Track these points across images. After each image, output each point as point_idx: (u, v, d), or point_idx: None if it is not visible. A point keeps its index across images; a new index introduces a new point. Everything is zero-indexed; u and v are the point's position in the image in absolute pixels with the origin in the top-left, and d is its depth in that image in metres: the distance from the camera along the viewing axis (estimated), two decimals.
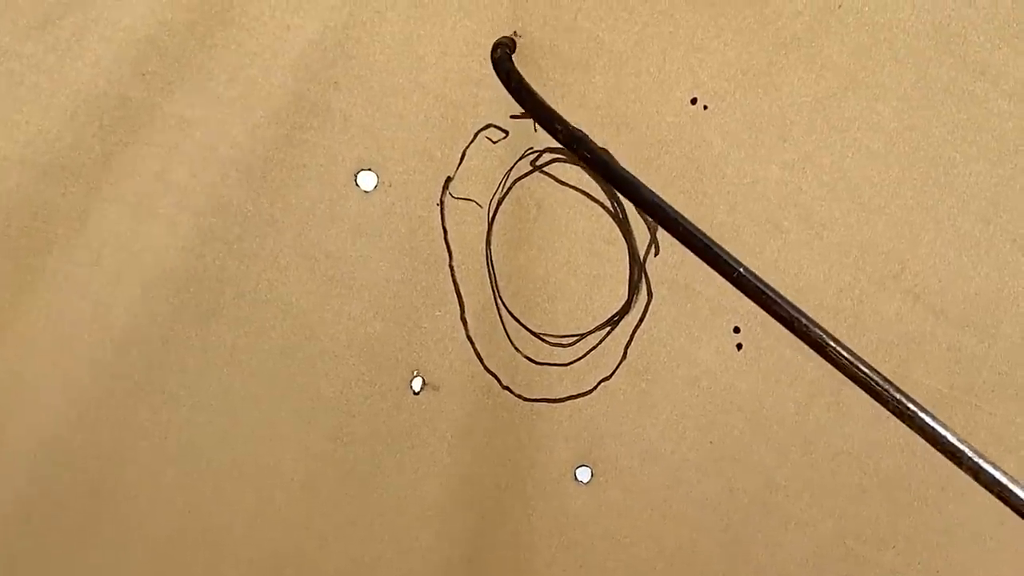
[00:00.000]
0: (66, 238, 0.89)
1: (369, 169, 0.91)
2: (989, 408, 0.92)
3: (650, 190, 0.79)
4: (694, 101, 0.88)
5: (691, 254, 0.77)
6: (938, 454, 0.72)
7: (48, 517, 0.98)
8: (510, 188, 0.92)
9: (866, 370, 0.73)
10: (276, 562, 1.02)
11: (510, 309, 0.94)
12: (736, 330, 0.93)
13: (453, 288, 0.94)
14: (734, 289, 0.77)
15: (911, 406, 0.71)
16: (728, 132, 0.88)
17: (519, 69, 0.85)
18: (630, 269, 0.93)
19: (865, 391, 0.73)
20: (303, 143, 0.89)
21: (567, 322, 0.95)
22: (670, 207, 0.78)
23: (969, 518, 0.95)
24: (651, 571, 1.00)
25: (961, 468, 0.70)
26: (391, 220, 0.92)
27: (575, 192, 0.92)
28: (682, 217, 0.77)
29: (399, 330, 0.95)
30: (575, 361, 0.95)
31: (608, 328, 0.94)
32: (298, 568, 1.02)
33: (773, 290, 0.75)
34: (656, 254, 0.92)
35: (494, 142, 0.90)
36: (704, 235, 0.77)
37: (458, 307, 0.94)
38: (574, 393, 0.96)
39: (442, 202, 0.92)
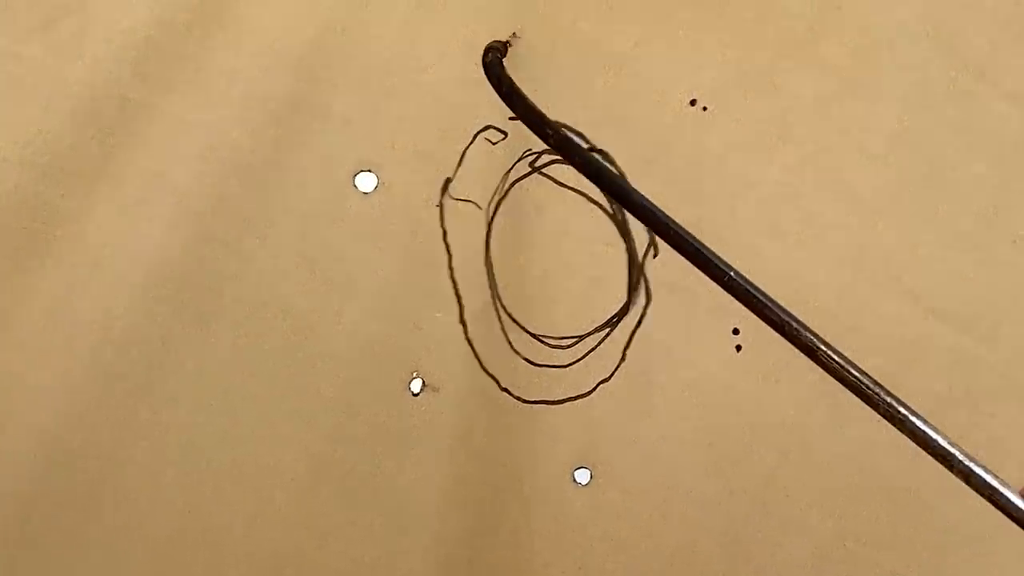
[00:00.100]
0: (66, 239, 0.89)
1: (368, 170, 0.91)
2: (989, 410, 0.92)
3: (641, 194, 0.79)
4: (693, 102, 0.88)
5: (688, 260, 0.77)
6: None
7: (48, 517, 0.98)
8: (509, 189, 0.92)
9: (857, 374, 0.73)
10: (276, 562, 1.02)
11: (509, 311, 0.94)
12: (735, 332, 0.93)
13: (452, 289, 0.94)
14: (731, 295, 0.77)
15: (902, 410, 0.71)
16: (727, 133, 0.88)
17: (519, 70, 0.85)
18: (629, 271, 0.93)
19: (856, 395, 0.73)
20: (302, 144, 0.89)
21: (566, 324, 0.94)
22: (660, 211, 0.77)
23: (968, 519, 0.95)
24: (650, 572, 1.00)
25: (952, 471, 0.70)
26: (390, 221, 0.92)
27: (574, 194, 0.92)
28: (673, 221, 0.77)
29: (398, 331, 0.95)
30: (574, 363, 0.95)
31: (607, 330, 0.94)
32: (298, 568, 1.02)
33: (764, 294, 0.75)
34: (655, 256, 0.92)
35: (493, 143, 0.90)
36: (694, 239, 0.76)
37: (457, 308, 0.94)
38: (573, 395, 0.96)
39: (441, 203, 0.92)
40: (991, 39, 0.84)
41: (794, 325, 0.74)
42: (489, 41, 0.87)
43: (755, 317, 0.76)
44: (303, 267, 0.93)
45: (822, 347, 0.74)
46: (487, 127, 0.90)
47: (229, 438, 0.97)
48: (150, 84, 0.86)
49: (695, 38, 0.86)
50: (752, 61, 0.87)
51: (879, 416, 0.73)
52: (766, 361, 0.93)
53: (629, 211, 0.82)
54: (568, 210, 0.92)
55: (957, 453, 0.70)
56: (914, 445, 0.72)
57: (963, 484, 0.71)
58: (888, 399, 0.72)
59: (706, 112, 0.88)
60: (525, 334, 0.95)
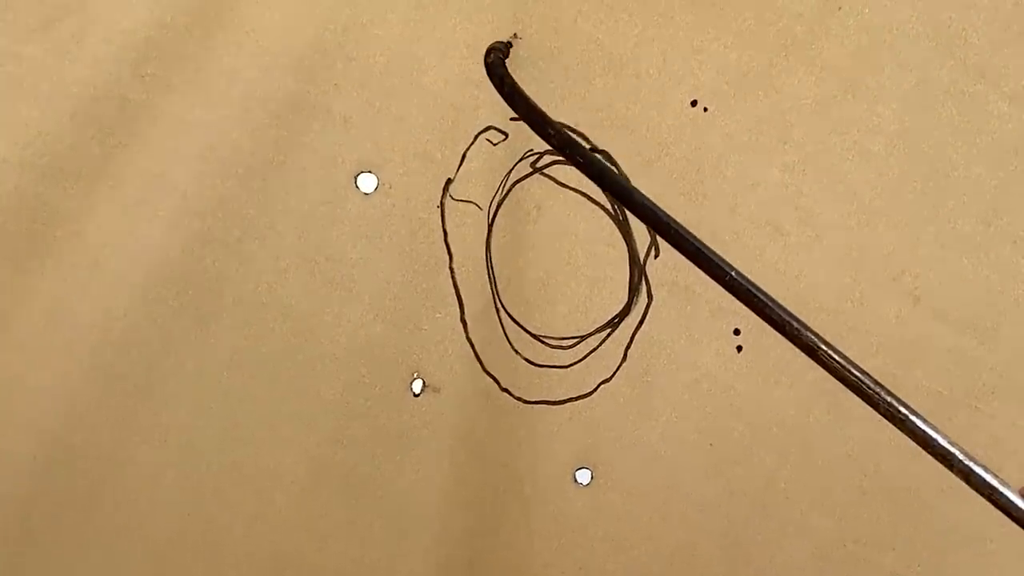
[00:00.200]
0: (66, 240, 0.89)
1: (369, 171, 0.91)
2: (989, 410, 0.92)
3: (642, 194, 0.79)
4: (694, 103, 0.88)
5: (689, 260, 0.77)
6: None
7: (48, 518, 0.98)
8: (510, 190, 0.92)
9: (857, 373, 0.73)
10: (276, 563, 1.01)
11: (510, 311, 0.94)
12: (736, 332, 0.93)
13: (453, 290, 0.94)
14: (731, 295, 0.77)
15: (902, 409, 0.72)
16: (728, 134, 0.88)
17: (520, 71, 0.85)
18: (630, 271, 0.93)
19: (856, 394, 0.73)
20: (303, 145, 0.89)
21: (567, 324, 0.94)
22: (662, 211, 0.78)
23: (969, 520, 0.95)
24: (651, 573, 1.00)
25: (952, 471, 0.71)
26: (391, 222, 0.92)
27: (575, 194, 0.92)
28: (674, 221, 0.77)
29: (399, 332, 0.95)
30: (575, 363, 0.95)
31: (608, 330, 0.94)
32: (298, 569, 1.02)
33: (764, 293, 0.75)
34: (656, 256, 0.92)
35: (494, 144, 0.90)
36: (696, 239, 0.76)
37: (458, 309, 0.94)
38: (574, 395, 0.96)
39: (442, 204, 0.92)
40: (991, 40, 0.84)
41: (795, 325, 0.74)
42: (490, 42, 0.86)
43: (756, 318, 0.76)
44: (303, 268, 0.92)
45: (823, 347, 0.74)
46: (488, 128, 0.90)
47: (229, 439, 0.97)
48: (150, 85, 0.86)
49: (696, 39, 0.86)
50: (753, 62, 0.87)
51: (879, 417, 0.73)
52: (767, 362, 0.93)
53: (631, 211, 0.82)
54: (569, 210, 0.92)
55: (957, 452, 0.70)
56: (914, 446, 0.72)
57: (963, 485, 0.71)
58: (888, 398, 0.72)
59: (707, 113, 0.88)
60: (526, 334, 0.95)
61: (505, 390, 0.96)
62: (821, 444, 0.95)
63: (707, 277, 0.77)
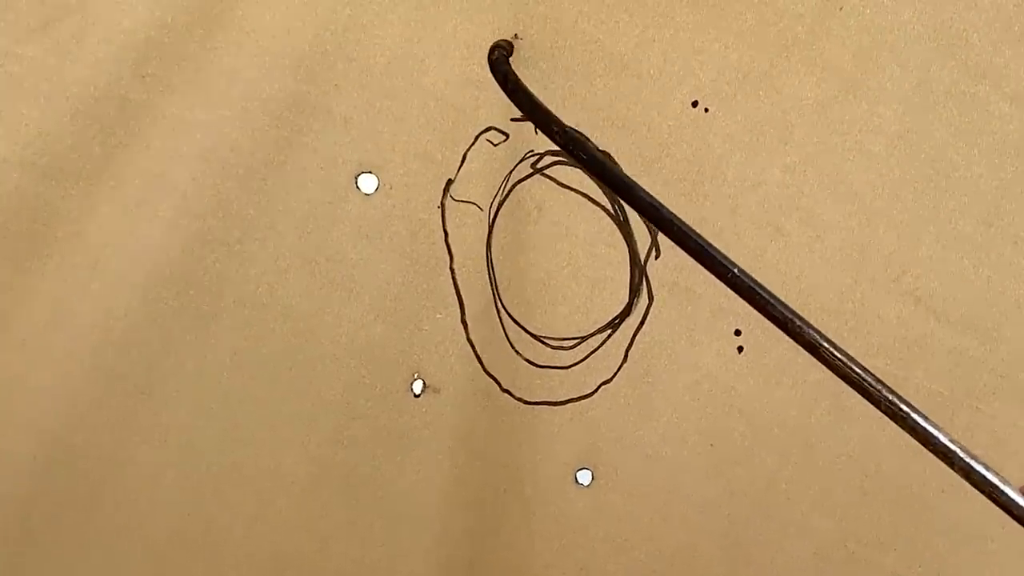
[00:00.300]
0: (66, 240, 0.89)
1: (370, 172, 0.90)
2: (990, 411, 0.92)
3: (646, 191, 0.79)
4: (695, 104, 0.88)
5: (691, 257, 0.77)
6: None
7: (48, 518, 0.98)
8: (511, 191, 0.92)
9: (859, 371, 0.73)
10: (276, 564, 1.01)
11: (510, 312, 0.94)
12: (737, 333, 0.93)
13: (454, 291, 0.94)
14: (734, 292, 0.77)
15: (903, 407, 0.72)
16: (729, 135, 0.88)
17: (519, 72, 0.85)
18: (631, 272, 0.93)
19: (858, 392, 0.73)
20: (303, 146, 0.89)
21: (568, 325, 0.94)
22: (665, 208, 0.78)
23: (970, 520, 0.95)
24: (652, 574, 1.00)
25: (953, 468, 0.71)
26: (392, 223, 0.92)
27: (576, 195, 0.92)
28: (677, 218, 0.77)
29: (400, 333, 0.95)
30: (576, 364, 0.95)
31: (609, 331, 0.94)
32: (298, 570, 1.02)
33: (767, 291, 0.75)
34: (657, 257, 0.92)
35: (495, 145, 0.90)
36: (699, 236, 0.77)
37: (459, 310, 0.94)
38: (575, 396, 0.96)
39: (443, 205, 0.92)
40: (993, 40, 0.84)
41: (797, 322, 0.74)
42: (491, 42, 0.86)
43: (757, 319, 0.76)
44: (304, 268, 0.92)
45: (824, 344, 0.74)
46: (488, 128, 0.90)
47: (230, 439, 0.97)
48: (151, 85, 0.86)
49: (696, 39, 0.86)
50: (754, 62, 0.87)
51: (880, 417, 0.73)
52: (768, 362, 0.93)
53: (634, 208, 0.82)
54: (570, 211, 0.92)
55: (958, 450, 0.70)
56: (915, 446, 0.72)
57: (964, 485, 0.71)
58: (890, 396, 0.72)
59: (708, 113, 0.88)
60: (526, 335, 0.95)
61: (506, 391, 0.96)
62: (822, 445, 0.95)
63: (708, 278, 0.77)
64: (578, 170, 0.91)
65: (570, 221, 0.92)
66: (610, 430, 0.97)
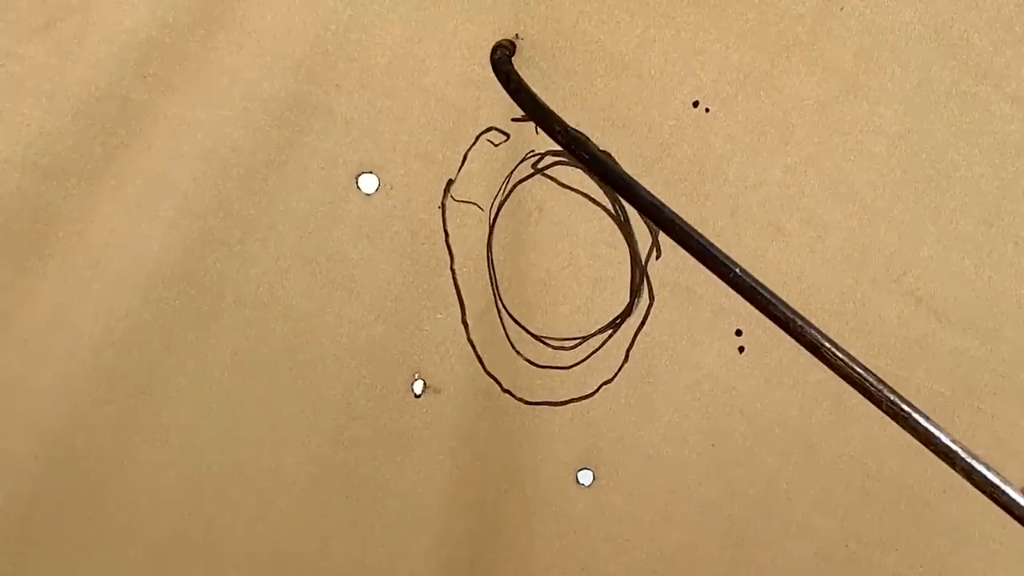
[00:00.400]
0: (67, 240, 0.89)
1: (370, 172, 0.90)
2: (991, 411, 0.92)
3: (648, 191, 0.79)
4: (696, 104, 0.88)
5: (693, 257, 0.77)
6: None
7: (49, 518, 0.98)
8: (511, 191, 0.92)
9: (860, 371, 0.73)
10: (277, 564, 1.02)
11: (511, 312, 0.94)
12: (738, 333, 0.93)
13: (454, 291, 0.94)
14: (736, 292, 0.77)
15: (905, 407, 0.72)
16: (730, 135, 0.88)
17: (520, 72, 0.85)
18: (632, 272, 0.93)
19: (859, 392, 0.73)
20: (304, 146, 0.89)
21: (568, 325, 0.94)
22: (667, 208, 0.78)
23: (972, 520, 0.95)
24: (653, 574, 1.00)
25: (954, 469, 0.71)
26: (392, 223, 0.92)
27: (576, 195, 0.92)
28: (679, 218, 0.77)
29: (400, 333, 0.95)
30: (577, 364, 0.95)
31: (610, 331, 0.94)
32: (299, 570, 1.02)
33: (769, 291, 0.75)
34: (658, 257, 0.92)
35: (495, 145, 0.90)
36: (701, 236, 0.77)
37: (459, 310, 0.94)
38: (576, 396, 0.96)
39: (443, 205, 0.92)
40: (994, 41, 0.84)
41: (798, 322, 0.74)
42: (492, 43, 0.86)
43: (758, 319, 0.76)
44: (304, 268, 0.92)
45: (826, 344, 0.74)
46: (489, 128, 0.90)
47: (230, 440, 0.97)
48: (152, 85, 0.86)
49: (697, 40, 0.86)
50: (755, 62, 0.87)
51: (881, 417, 0.73)
52: (769, 363, 0.93)
53: (636, 208, 0.82)
54: (570, 211, 0.92)
55: (959, 450, 0.70)
56: (916, 446, 0.72)
57: (965, 485, 0.71)
58: (891, 396, 0.72)
59: (708, 113, 0.88)
60: (527, 335, 0.95)
61: (506, 391, 0.96)
62: (823, 445, 0.95)
63: (709, 278, 0.77)
64: (579, 170, 0.91)
65: (571, 221, 0.92)
66: (611, 430, 0.96)
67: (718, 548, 0.98)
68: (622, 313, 0.94)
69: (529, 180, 0.92)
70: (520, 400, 0.96)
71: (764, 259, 0.90)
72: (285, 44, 0.86)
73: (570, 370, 0.95)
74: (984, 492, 0.69)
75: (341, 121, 0.89)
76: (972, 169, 0.87)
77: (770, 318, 0.75)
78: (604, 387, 0.95)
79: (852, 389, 0.74)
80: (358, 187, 0.91)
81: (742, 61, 0.87)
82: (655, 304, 0.93)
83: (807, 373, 0.92)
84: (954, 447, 0.70)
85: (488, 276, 0.94)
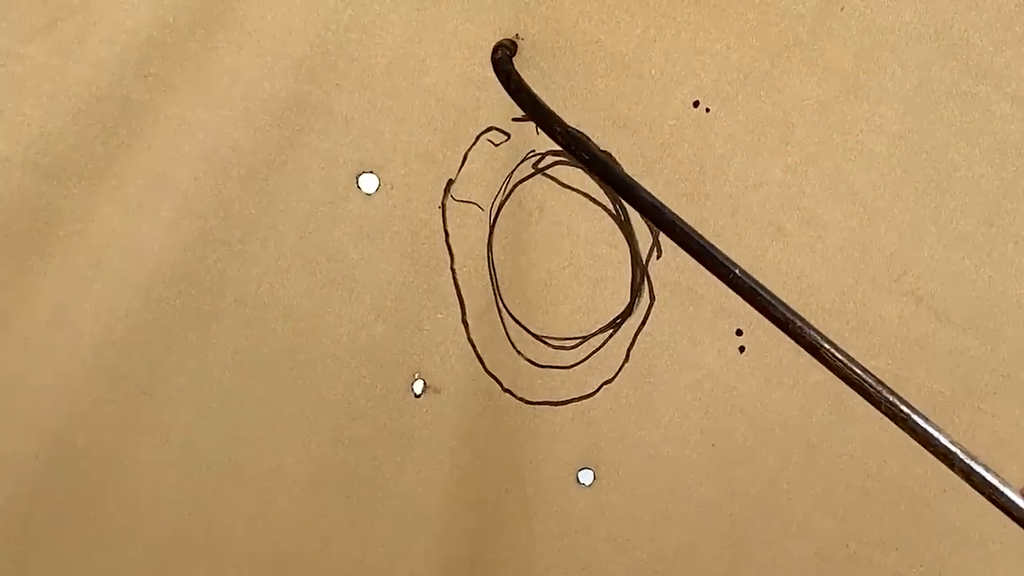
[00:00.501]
0: (68, 239, 0.89)
1: (371, 172, 0.91)
2: (991, 411, 0.92)
3: (648, 191, 0.79)
4: (696, 104, 0.88)
5: (693, 258, 0.77)
6: None
7: (50, 518, 0.98)
8: (512, 191, 0.92)
9: (860, 372, 0.73)
10: (277, 564, 1.02)
11: (512, 312, 0.94)
12: (739, 333, 0.93)
13: (455, 291, 0.94)
14: (736, 293, 0.77)
15: (904, 408, 0.72)
16: (730, 135, 0.88)
17: (521, 72, 0.85)
18: (632, 272, 0.93)
19: (859, 393, 0.73)
20: (305, 145, 0.89)
21: (569, 325, 0.94)
22: (667, 209, 0.78)
23: (972, 520, 0.95)
24: (653, 574, 1.00)
25: (953, 470, 0.70)
26: (393, 223, 0.92)
27: (577, 195, 0.92)
28: (679, 219, 0.77)
29: (400, 333, 0.95)
30: (577, 364, 0.95)
31: (610, 331, 0.94)
32: (299, 570, 1.02)
33: (769, 292, 0.75)
34: (658, 257, 0.92)
35: (496, 145, 0.90)
36: (701, 237, 0.77)
37: (459, 310, 0.94)
38: (576, 396, 0.96)
39: (444, 205, 0.92)
40: (994, 40, 0.84)
41: (798, 323, 0.74)
42: (492, 43, 0.87)
43: (758, 319, 0.76)
44: (305, 268, 0.92)
45: (825, 345, 0.74)
46: (490, 128, 0.90)
47: (231, 439, 0.97)
48: (152, 85, 0.86)
49: (698, 40, 0.86)
50: (755, 62, 0.87)
51: (881, 417, 0.73)
52: (769, 362, 0.93)
53: (636, 208, 0.82)
54: (571, 211, 0.92)
55: (958, 452, 0.70)
56: (917, 447, 0.72)
57: (965, 485, 0.71)
58: (891, 397, 0.72)
59: (709, 113, 0.88)
60: (528, 335, 0.95)
61: (507, 391, 0.96)
62: (823, 445, 0.95)
63: (709, 278, 0.77)
64: (579, 170, 0.91)
65: (571, 221, 0.92)
66: (611, 430, 0.96)
67: (718, 548, 0.98)
68: (623, 313, 0.94)
69: (529, 180, 0.92)
70: (521, 400, 0.96)
71: (764, 259, 0.90)
72: (286, 44, 0.86)
73: (571, 370, 0.95)
74: (983, 493, 0.69)
75: (341, 121, 0.89)
76: (972, 169, 0.87)
77: (770, 319, 0.75)
78: (605, 387, 0.95)
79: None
80: (358, 187, 0.91)
81: (742, 61, 0.87)
82: (656, 304, 0.93)
83: (807, 373, 0.92)
84: (953, 448, 0.70)
85: (488, 276, 0.94)
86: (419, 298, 0.94)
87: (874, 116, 0.87)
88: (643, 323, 0.94)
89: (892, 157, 0.88)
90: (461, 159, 0.90)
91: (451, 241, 0.93)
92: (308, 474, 0.98)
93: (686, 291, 0.92)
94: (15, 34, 0.83)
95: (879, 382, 0.73)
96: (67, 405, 0.94)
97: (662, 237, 0.91)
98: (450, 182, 0.91)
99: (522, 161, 0.91)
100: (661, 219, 0.78)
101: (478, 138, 0.90)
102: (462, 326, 0.95)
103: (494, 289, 0.94)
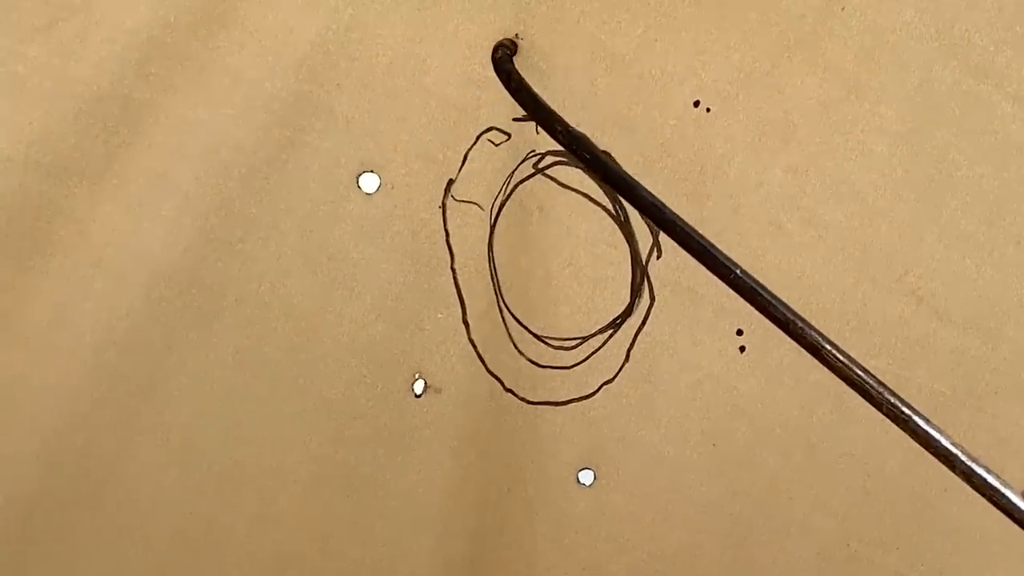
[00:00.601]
0: (69, 239, 0.89)
1: (371, 171, 0.91)
2: (992, 410, 0.92)
3: (648, 191, 0.79)
4: (697, 104, 0.88)
5: (694, 258, 0.77)
6: None
7: (50, 517, 0.98)
8: (512, 191, 0.92)
9: (861, 373, 0.73)
10: (277, 563, 1.01)
11: (512, 312, 0.94)
12: (739, 332, 0.93)
13: (455, 290, 0.94)
14: (736, 293, 0.77)
15: (906, 410, 0.71)
16: (731, 135, 0.88)
17: (522, 72, 0.85)
18: (632, 272, 0.93)
19: (860, 394, 0.73)
20: (305, 145, 0.89)
21: (569, 325, 0.94)
22: (668, 209, 0.78)
23: (973, 520, 0.95)
24: (654, 574, 1.00)
25: (954, 472, 0.70)
26: (393, 222, 0.92)
27: (577, 195, 0.92)
28: (680, 219, 0.77)
29: (401, 332, 0.95)
30: (578, 364, 0.95)
31: (611, 331, 0.94)
32: (299, 570, 1.02)
33: (770, 292, 0.75)
34: (659, 257, 0.92)
35: (496, 145, 0.90)
36: (702, 237, 0.77)
37: (460, 309, 0.94)
38: (577, 396, 0.96)
39: (444, 204, 0.92)
40: (995, 40, 0.84)
41: (799, 324, 0.74)
42: (493, 42, 0.87)
43: (758, 319, 0.76)
44: (305, 268, 0.92)
45: (826, 346, 0.74)
46: (490, 128, 0.90)
47: (231, 439, 0.97)
48: (153, 84, 0.86)
49: (698, 39, 0.86)
50: (756, 62, 0.87)
51: (882, 417, 0.73)
52: (770, 362, 0.93)
53: (637, 208, 0.82)
54: (571, 211, 0.92)
55: (960, 454, 0.70)
56: (917, 447, 0.72)
57: (966, 485, 0.71)
58: (892, 399, 0.72)
59: (709, 113, 0.88)
60: (528, 335, 0.95)
61: (508, 390, 0.96)
62: (824, 444, 0.95)
63: (709, 278, 0.77)
64: (579, 170, 0.91)
65: (572, 221, 0.92)
66: (612, 430, 0.96)
67: (719, 548, 0.98)
68: (623, 313, 0.94)
69: (530, 180, 0.92)
70: (521, 400, 0.96)
71: (765, 259, 0.90)
72: (287, 44, 0.86)
73: (571, 370, 0.95)
74: (984, 495, 0.69)
75: (342, 120, 0.89)
76: (973, 169, 0.87)
77: (771, 320, 0.75)
78: (605, 387, 0.95)
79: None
80: (359, 186, 0.91)
81: (743, 61, 0.87)
82: (656, 304, 0.93)
83: (808, 373, 0.92)
84: (954, 450, 0.70)
85: (489, 276, 0.94)
86: (420, 298, 0.94)
87: (875, 116, 0.87)
88: (643, 323, 0.94)
89: (893, 157, 0.88)
90: (461, 159, 0.91)
91: (451, 241, 0.93)
92: (309, 474, 0.98)
93: (686, 291, 0.92)
94: (16, 34, 0.83)
95: (880, 383, 0.73)
96: (68, 404, 0.94)
97: (662, 237, 0.91)
98: (450, 182, 0.91)
99: (522, 161, 0.91)
100: (662, 218, 0.78)
101: (478, 138, 0.90)
102: (463, 326, 0.95)
103: (495, 289, 0.94)
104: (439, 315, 0.95)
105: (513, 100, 0.84)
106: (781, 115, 0.88)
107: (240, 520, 0.99)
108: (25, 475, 0.96)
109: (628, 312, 0.94)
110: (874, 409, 0.73)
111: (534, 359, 0.95)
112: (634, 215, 0.91)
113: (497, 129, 0.90)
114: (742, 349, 0.93)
